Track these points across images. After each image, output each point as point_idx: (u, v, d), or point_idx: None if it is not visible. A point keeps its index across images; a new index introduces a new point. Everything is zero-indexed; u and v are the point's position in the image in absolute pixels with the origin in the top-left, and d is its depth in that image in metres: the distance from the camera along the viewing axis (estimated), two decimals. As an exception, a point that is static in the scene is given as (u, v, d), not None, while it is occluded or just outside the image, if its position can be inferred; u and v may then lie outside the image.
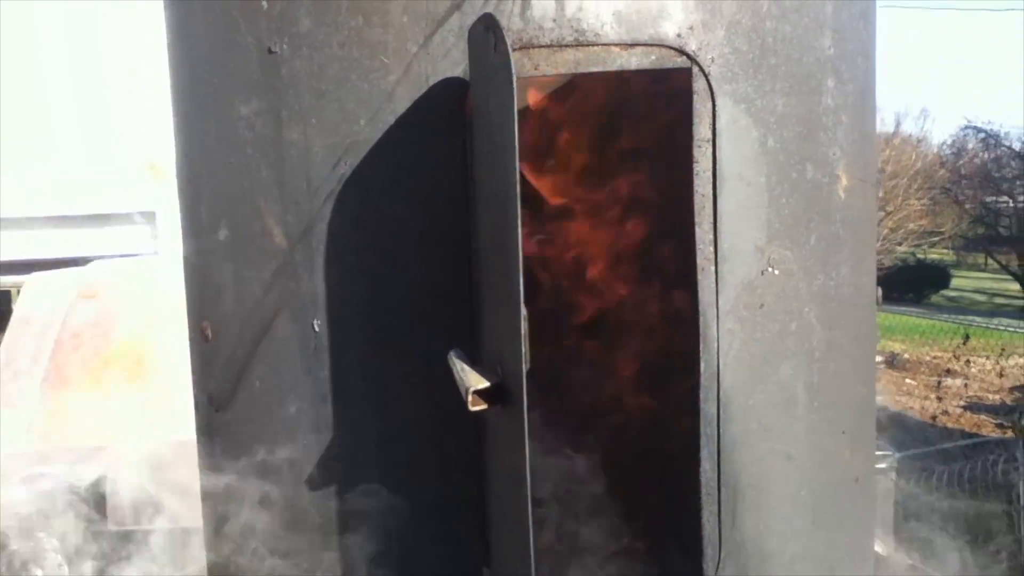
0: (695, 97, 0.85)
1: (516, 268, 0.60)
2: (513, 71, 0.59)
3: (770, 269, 0.90)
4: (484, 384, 0.64)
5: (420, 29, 0.82)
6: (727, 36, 0.86)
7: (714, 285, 0.87)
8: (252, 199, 0.92)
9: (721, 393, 0.88)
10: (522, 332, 0.59)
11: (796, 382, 0.94)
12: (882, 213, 14.08)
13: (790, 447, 0.94)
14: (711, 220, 0.86)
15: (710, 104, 0.85)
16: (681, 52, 0.84)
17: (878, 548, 1.48)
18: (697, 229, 0.86)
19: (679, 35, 0.84)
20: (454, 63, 0.82)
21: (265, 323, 0.92)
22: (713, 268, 0.87)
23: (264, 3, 0.88)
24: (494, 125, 0.64)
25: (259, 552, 0.94)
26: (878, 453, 3.02)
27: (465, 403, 0.66)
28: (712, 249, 0.87)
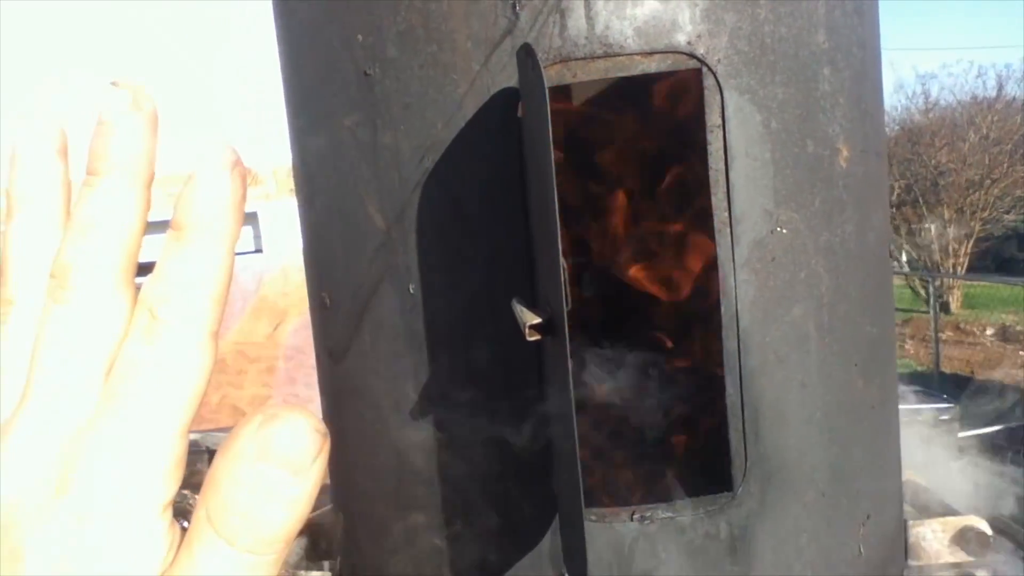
0: (705, 92, 1.04)
1: (555, 232, 0.81)
2: (545, 84, 0.80)
3: (779, 228, 1.09)
4: (537, 320, 0.86)
5: (481, 51, 1.04)
6: (730, 40, 1.05)
7: (730, 243, 1.06)
8: (356, 192, 1.16)
9: (740, 331, 1.08)
10: (562, 277, 0.80)
11: (807, 322, 1.12)
12: (988, 181, 13.59)
13: (804, 376, 1.12)
14: (725, 190, 1.06)
15: (718, 96, 1.05)
16: (692, 56, 1.03)
17: (919, 479, 1.64)
18: (713, 199, 1.06)
19: (689, 43, 1.03)
20: (509, 76, 1.04)
21: (372, 289, 1.15)
22: (728, 229, 1.06)
23: (359, 36, 1.11)
24: (534, 126, 0.85)
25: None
26: (942, 406, 3.13)
27: (523, 335, 0.87)
28: (727, 214, 1.06)
